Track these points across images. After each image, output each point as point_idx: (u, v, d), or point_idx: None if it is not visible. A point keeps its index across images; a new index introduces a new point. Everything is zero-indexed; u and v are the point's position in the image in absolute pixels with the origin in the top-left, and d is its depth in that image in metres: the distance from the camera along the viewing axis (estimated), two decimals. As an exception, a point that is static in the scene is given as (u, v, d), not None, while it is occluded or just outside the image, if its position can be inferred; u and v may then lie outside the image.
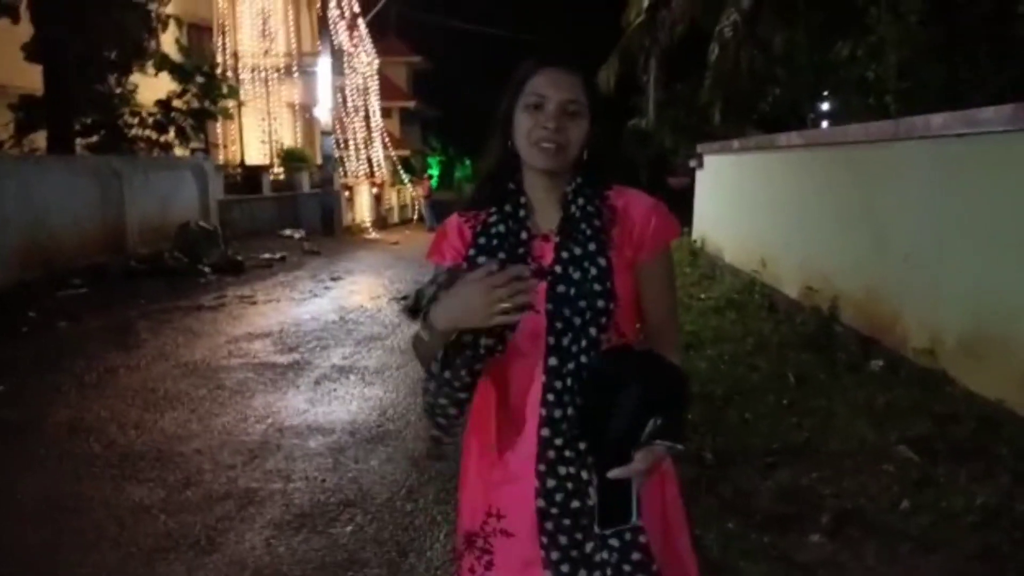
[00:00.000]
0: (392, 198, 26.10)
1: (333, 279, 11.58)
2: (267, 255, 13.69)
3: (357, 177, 22.60)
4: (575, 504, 1.38)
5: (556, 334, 1.39)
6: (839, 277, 6.52)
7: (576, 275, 1.39)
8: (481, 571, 1.47)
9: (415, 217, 26.12)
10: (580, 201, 1.45)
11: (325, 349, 6.85)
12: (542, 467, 1.39)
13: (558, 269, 1.41)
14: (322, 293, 10.21)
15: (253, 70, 20.80)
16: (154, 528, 3.38)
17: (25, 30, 11.34)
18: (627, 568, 1.38)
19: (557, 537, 1.39)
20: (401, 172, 26.82)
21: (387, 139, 25.19)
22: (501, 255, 1.42)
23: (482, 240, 1.46)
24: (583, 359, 1.38)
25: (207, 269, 11.58)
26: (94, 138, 13.05)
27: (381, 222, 23.35)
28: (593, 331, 1.39)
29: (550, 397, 1.39)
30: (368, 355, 6.65)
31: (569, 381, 1.38)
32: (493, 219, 1.47)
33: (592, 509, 1.37)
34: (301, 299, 9.70)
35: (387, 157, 25.25)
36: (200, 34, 20.60)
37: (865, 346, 5.80)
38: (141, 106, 13.82)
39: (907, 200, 5.39)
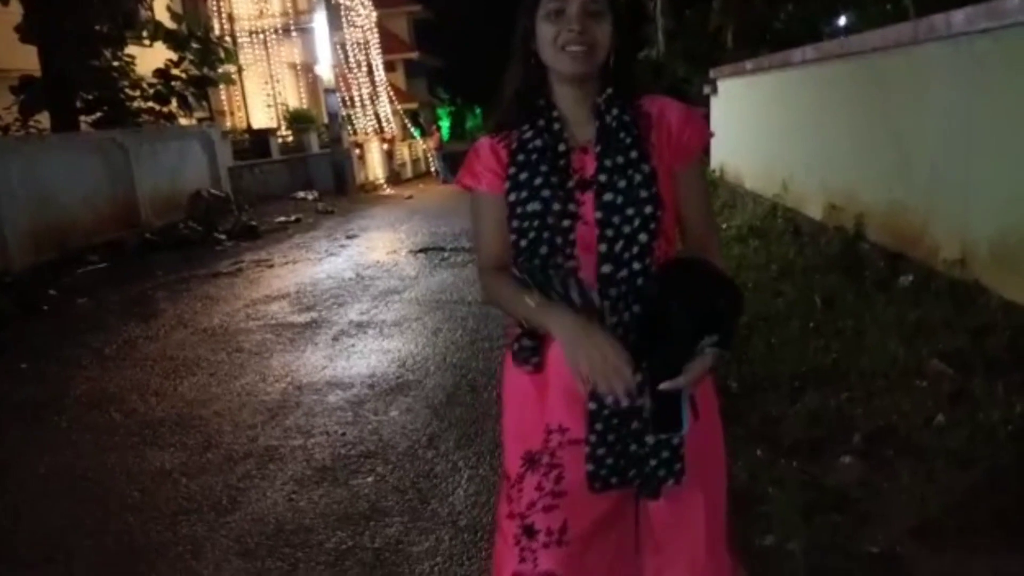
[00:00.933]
0: (404, 153, 25.82)
1: (349, 237, 11.51)
2: (281, 218, 13.63)
3: (366, 134, 22.34)
4: (625, 404, 1.39)
5: (608, 242, 1.41)
6: (863, 193, 6.28)
7: (621, 184, 1.41)
8: (551, 486, 1.50)
9: (431, 170, 25.87)
10: (614, 111, 1.45)
11: (342, 306, 6.80)
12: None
13: (603, 179, 1.42)
14: (338, 252, 10.14)
15: (251, 32, 20.46)
16: (176, 492, 3.37)
17: (16, 10, 11.19)
18: (653, 462, 1.45)
19: (606, 436, 1.45)
20: (410, 126, 26.50)
21: (392, 93, 24.79)
22: (543, 168, 1.44)
23: (520, 157, 1.47)
24: (635, 265, 1.40)
25: (222, 236, 11.56)
26: (98, 114, 12.93)
27: (394, 177, 23.15)
28: (644, 237, 1.41)
29: (605, 304, 1.41)
30: (386, 309, 6.59)
31: (624, 288, 1.41)
32: (528, 135, 1.47)
33: (641, 411, 1.42)
34: (317, 259, 9.64)
35: (395, 112, 24.90)
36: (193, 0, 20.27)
37: (893, 262, 5.61)
38: (140, 77, 13.65)
39: (931, 107, 5.12)
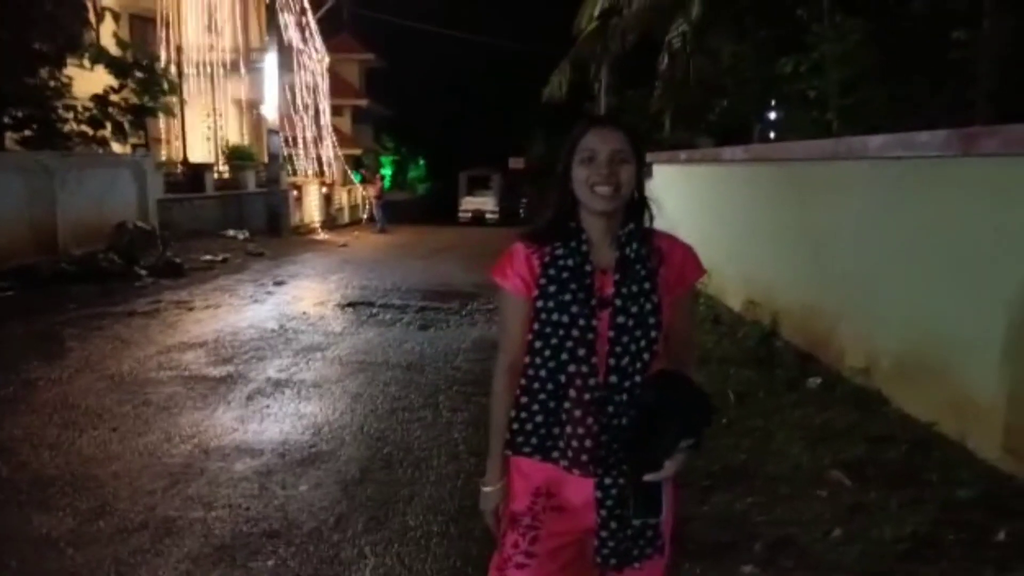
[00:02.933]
0: (343, 198, 25.69)
1: (276, 284, 11.30)
2: (209, 257, 13.31)
3: (306, 176, 22.18)
4: (624, 493, 1.68)
5: (616, 356, 1.68)
6: (780, 292, 6.57)
7: (634, 309, 1.68)
8: (525, 546, 1.76)
9: (365, 217, 25.75)
10: (633, 244, 1.72)
11: (261, 360, 6.64)
12: (600, 469, 1.69)
13: (618, 303, 1.69)
14: (263, 299, 9.94)
15: (198, 65, 20.23)
16: (59, 564, 3.18)
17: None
18: (641, 542, 1.72)
19: (611, 515, 1.71)
20: (351, 172, 26.43)
21: (335, 139, 24.75)
22: (573, 286, 1.70)
23: (552, 272, 1.73)
24: (636, 378, 1.68)
25: (143, 272, 11.18)
26: (26, 133, 12.49)
27: (330, 222, 22.97)
28: (646, 356, 1.69)
29: (610, 409, 1.68)
30: (306, 368, 6.46)
31: (625, 396, 1.68)
32: (560, 252, 1.74)
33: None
34: (241, 305, 9.42)
35: (337, 156, 24.84)
36: (144, 26, 20.00)
37: (804, 362, 5.86)
38: (76, 100, 13.29)
39: (846, 219, 5.45)
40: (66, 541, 3.36)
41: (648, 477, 1.60)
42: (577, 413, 1.70)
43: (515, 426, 1.77)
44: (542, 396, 1.73)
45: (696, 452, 1.62)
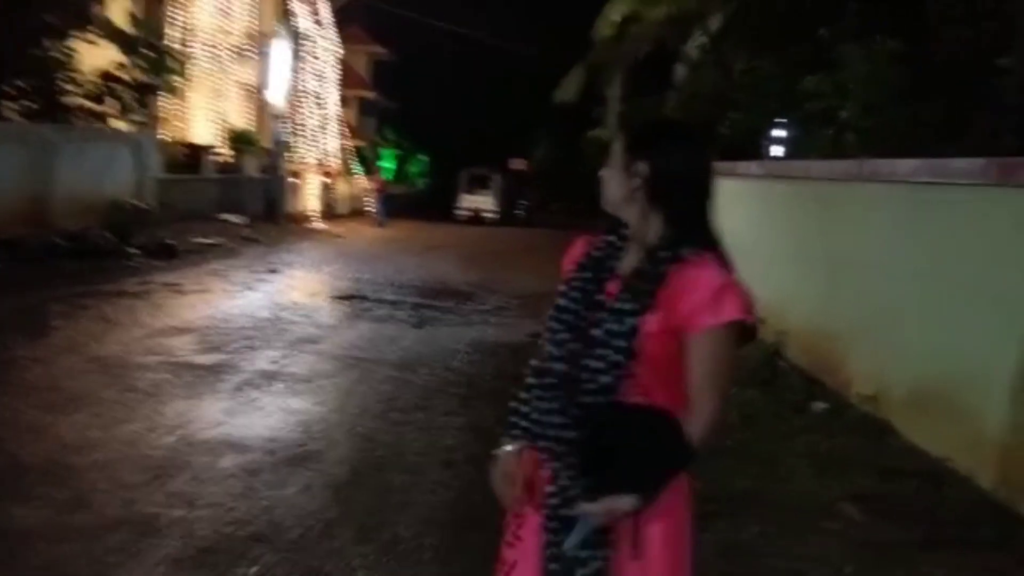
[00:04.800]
0: (343, 189, 25.47)
1: (270, 271, 11.11)
2: (203, 240, 13.11)
3: (308, 164, 21.96)
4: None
5: (574, 367, 1.56)
6: (788, 312, 6.43)
7: (613, 326, 1.54)
8: (513, 528, 1.69)
9: (366, 210, 25.55)
10: (659, 255, 1.57)
11: (252, 350, 6.45)
12: (552, 487, 1.59)
13: (604, 315, 1.57)
14: (256, 286, 9.75)
15: (207, 46, 19.98)
16: (30, 559, 2.99)
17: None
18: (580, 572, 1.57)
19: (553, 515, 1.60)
20: (353, 163, 26.21)
21: (345, 128, 24.54)
22: (585, 280, 1.64)
23: (585, 261, 1.68)
24: (588, 399, 1.53)
25: (136, 251, 10.96)
26: (27, 104, 12.25)
27: (328, 212, 22.76)
28: (605, 379, 1.53)
29: (556, 420, 1.58)
30: (298, 360, 6.29)
31: (575, 412, 1.55)
32: (601, 244, 1.68)
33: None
34: (233, 291, 9.23)
35: (342, 147, 24.62)
36: (155, 3, 19.72)
37: (809, 386, 5.72)
38: (79, 72, 13.05)
39: (865, 242, 5.31)
40: (38, 535, 3.18)
41: (578, 509, 1.51)
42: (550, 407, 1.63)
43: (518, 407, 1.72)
44: (532, 380, 1.66)
45: (640, 503, 1.48)
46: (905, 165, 4.70)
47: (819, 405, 5.37)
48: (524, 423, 1.67)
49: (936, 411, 4.41)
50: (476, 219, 26.52)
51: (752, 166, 7.68)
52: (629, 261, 1.62)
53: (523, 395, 1.68)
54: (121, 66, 13.74)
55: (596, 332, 1.56)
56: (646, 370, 1.53)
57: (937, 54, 6.39)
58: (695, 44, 11.84)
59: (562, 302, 1.64)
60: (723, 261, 1.60)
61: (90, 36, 12.87)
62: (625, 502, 1.48)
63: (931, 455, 4.35)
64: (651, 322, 1.52)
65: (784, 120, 13.22)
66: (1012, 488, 3.78)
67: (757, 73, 10.46)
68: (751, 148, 13.06)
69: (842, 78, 6.96)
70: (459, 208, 27.52)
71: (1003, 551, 3.39)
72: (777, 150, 14.33)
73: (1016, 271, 3.93)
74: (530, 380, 1.67)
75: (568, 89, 16.37)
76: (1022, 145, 5.77)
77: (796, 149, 10.95)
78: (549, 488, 1.60)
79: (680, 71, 12.39)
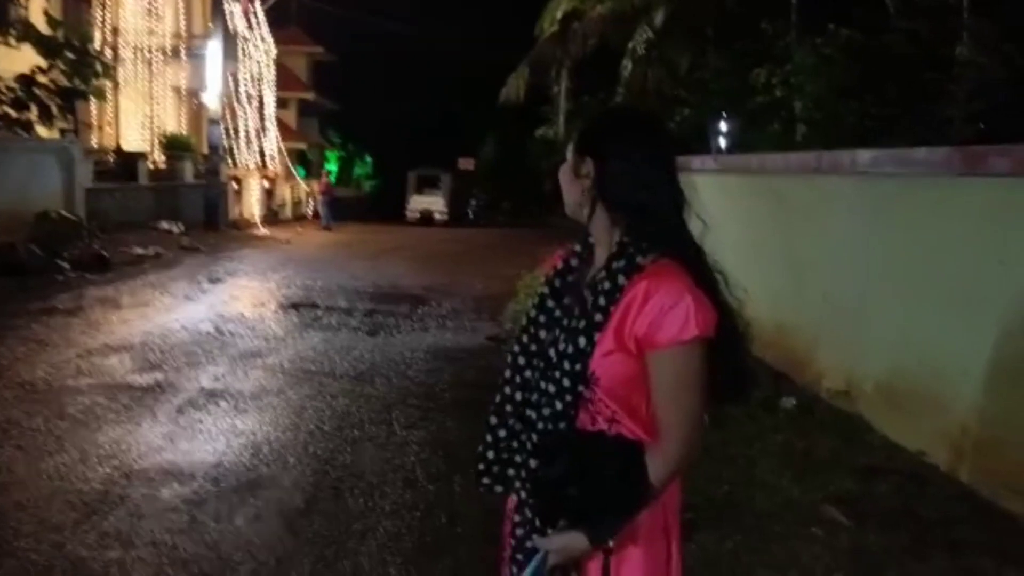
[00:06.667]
0: (285, 193, 24.82)
1: (212, 281, 10.62)
2: (139, 250, 12.50)
3: (247, 168, 21.29)
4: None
5: (527, 394, 1.47)
6: (752, 307, 6.32)
7: (563, 346, 1.41)
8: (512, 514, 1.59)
9: (310, 213, 24.94)
10: (613, 265, 1.42)
11: (194, 368, 6.06)
12: (516, 516, 1.51)
13: (557, 333, 1.46)
14: (198, 297, 9.28)
15: (136, 49, 19.18)
16: (-62, 622, 2.64)
17: None
18: None
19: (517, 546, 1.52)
20: (295, 166, 25.56)
21: (279, 131, 23.88)
22: (557, 284, 1.53)
23: (553, 273, 1.57)
24: (541, 425, 1.43)
25: (66, 265, 10.35)
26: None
27: (272, 217, 22.12)
28: (559, 404, 1.40)
29: (514, 444, 1.51)
30: (244, 376, 5.92)
31: (533, 437, 1.44)
32: (573, 257, 1.55)
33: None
34: (173, 304, 8.76)
35: (280, 150, 23.97)
36: (78, 5, 18.84)
37: (776, 381, 5.61)
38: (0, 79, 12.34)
39: (828, 235, 5.22)
40: (-51, 591, 2.82)
41: (534, 541, 1.42)
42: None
43: None
44: (496, 401, 1.57)
45: (597, 543, 1.36)
46: (865, 156, 4.62)
47: (789, 401, 5.25)
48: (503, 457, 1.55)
49: (910, 405, 4.33)
50: (426, 220, 26.18)
51: (708, 160, 7.58)
52: (592, 272, 1.48)
53: (492, 419, 1.55)
54: (42, 70, 13.04)
55: (551, 352, 1.44)
56: (605, 394, 1.38)
57: (894, 46, 6.39)
58: (641, 40, 11.75)
59: (523, 320, 1.54)
60: (690, 268, 1.41)
61: (7, 39, 12.17)
62: (577, 540, 1.36)
63: (907, 450, 4.26)
64: (605, 341, 1.38)
65: (729, 115, 13.28)
66: (990, 481, 3.71)
67: (703, 69, 10.43)
68: (699, 144, 13.08)
69: (789, 71, 6.91)
70: (409, 209, 27.15)
71: (992, 552, 3.28)
72: (724, 144, 14.43)
73: (984, 261, 3.86)
74: (496, 402, 1.55)
75: (513, 88, 16.18)
76: (975, 133, 5.78)
77: (744, 143, 10.96)
78: (515, 518, 1.50)
79: (626, 67, 12.29)
